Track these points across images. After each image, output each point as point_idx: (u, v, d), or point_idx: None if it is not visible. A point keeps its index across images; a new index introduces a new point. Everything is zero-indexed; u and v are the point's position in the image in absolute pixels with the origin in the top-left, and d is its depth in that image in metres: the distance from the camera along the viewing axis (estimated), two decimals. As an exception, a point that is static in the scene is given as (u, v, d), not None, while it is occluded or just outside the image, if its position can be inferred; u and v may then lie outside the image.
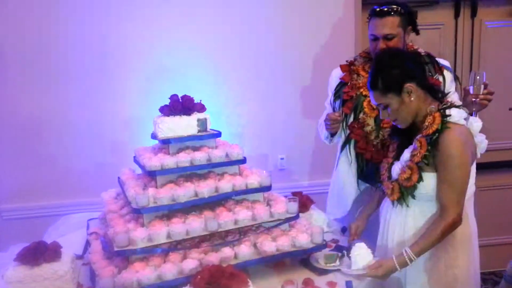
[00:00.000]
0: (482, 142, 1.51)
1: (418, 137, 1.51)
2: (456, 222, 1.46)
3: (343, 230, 1.96)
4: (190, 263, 1.48)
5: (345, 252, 1.64)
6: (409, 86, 1.50)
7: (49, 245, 1.68)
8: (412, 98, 1.51)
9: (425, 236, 1.48)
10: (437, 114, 1.48)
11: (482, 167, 3.07)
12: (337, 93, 2.05)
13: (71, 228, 2.12)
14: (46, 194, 2.58)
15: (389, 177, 1.61)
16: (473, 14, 2.98)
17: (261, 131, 2.80)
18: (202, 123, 1.82)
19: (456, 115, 1.45)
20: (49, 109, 2.53)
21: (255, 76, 2.73)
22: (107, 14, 2.51)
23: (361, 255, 1.51)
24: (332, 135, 2.05)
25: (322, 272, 1.62)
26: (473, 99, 1.73)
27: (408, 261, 1.46)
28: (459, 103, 1.85)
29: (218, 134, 1.83)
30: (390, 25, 1.82)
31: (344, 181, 2.10)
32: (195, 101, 1.85)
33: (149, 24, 2.55)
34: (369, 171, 1.98)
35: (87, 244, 1.87)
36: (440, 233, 1.46)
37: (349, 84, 2.02)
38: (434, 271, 1.54)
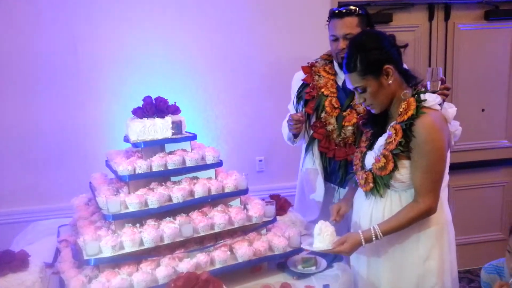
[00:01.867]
0: (456, 129, 1.50)
1: (392, 124, 1.48)
2: (431, 210, 1.45)
3: (321, 232, 1.94)
4: (164, 271, 1.43)
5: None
6: (388, 68, 1.46)
7: (16, 254, 1.61)
8: (390, 81, 1.47)
9: (396, 217, 1.46)
10: (411, 100, 1.45)
11: (456, 167, 3.15)
12: (299, 94, 2.08)
13: (41, 235, 2.04)
14: (14, 200, 2.49)
15: (362, 166, 1.59)
16: (447, 17, 3.03)
17: (239, 133, 2.77)
18: (177, 126, 1.77)
19: (431, 100, 1.43)
20: (17, 112, 2.44)
21: (233, 77, 2.70)
22: (78, 15, 2.45)
23: (327, 232, 1.48)
24: (295, 136, 2.04)
25: (300, 276, 1.60)
26: None
27: (374, 237, 1.45)
28: None
29: (194, 137, 1.79)
30: (349, 25, 1.87)
31: (310, 181, 2.10)
32: (170, 103, 1.80)
33: (122, 24, 2.50)
34: (332, 170, 2.01)
35: (57, 252, 1.80)
36: (412, 217, 1.44)
37: (310, 84, 2.05)
38: (409, 263, 1.52)
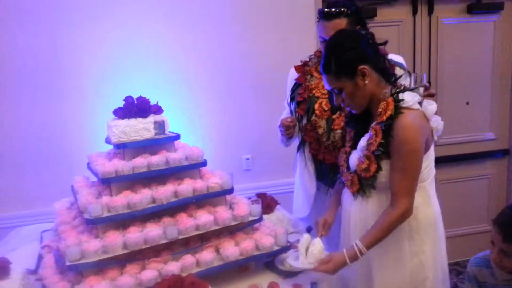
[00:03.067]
0: (438, 124, 1.46)
1: (373, 124, 1.47)
2: (406, 212, 1.42)
3: (309, 229, 1.92)
4: (149, 274, 1.40)
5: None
6: (363, 68, 1.43)
7: (-4, 261, 1.57)
8: (366, 81, 1.45)
9: (375, 228, 1.43)
10: (390, 100, 1.43)
11: (442, 161, 3.17)
12: (292, 94, 2.04)
13: (24, 241, 1.99)
14: (-5, 206, 2.43)
15: (348, 167, 1.57)
16: (430, 11, 3.04)
17: (225, 132, 2.75)
18: (160, 126, 1.74)
19: (409, 99, 1.40)
20: (-3, 115, 2.38)
21: (217, 75, 2.68)
22: (58, 13, 2.39)
23: (316, 250, 1.45)
24: (289, 138, 2.03)
25: (288, 274, 1.58)
26: None
27: (358, 254, 1.42)
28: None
29: (177, 137, 1.76)
30: (337, 27, 1.78)
31: (302, 181, 2.08)
32: (152, 103, 1.77)
33: (103, 23, 2.45)
34: (323, 171, 1.98)
35: (40, 258, 1.76)
36: (389, 224, 1.42)
37: (303, 85, 2.00)
38: (400, 259, 1.51)
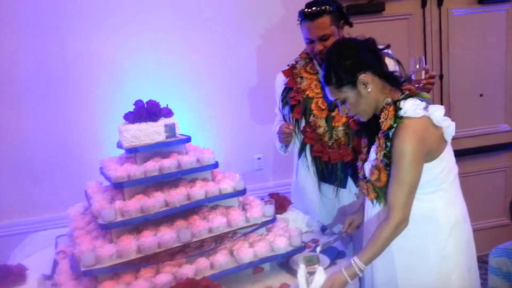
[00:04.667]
0: (449, 127, 1.42)
1: (379, 134, 1.44)
2: (400, 224, 1.38)
3: (323, 229, 1.91)
4: (163, 278, 1.40)
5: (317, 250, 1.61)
6: (364, 76, 1.41)
7: (13, 268, 1.59)
8: (369, 89, 1.42)
9: (371, 243, 1.40)
10: (391, 108, 1.40)
11: (457, 154, 3.07)
12: (284, 99, 2.01)
13: (39, 247, 2.01)
14: (11, 212, 2.45)
15: (364, 176, 1.55)
16: (440, 3, 2.99)
17: (236, 132, 2.74)
18: (170, 129, 1.73)
19: (410, 108, 1.37)
20: (11, 122, 2.40)
21: (226, 76, 2.67)
22: (68, 21, 2.41)
23: (322, 281, 1.39)
24: (287, 146, 2.01)
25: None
26: (416, 85, 1.69)
27: (358, 271, 1.38)
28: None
29: (188, 139, 1.75)
30: (322, 25, 1.79)
31: (304, 187, 2.05)
32: (162, 106, 1.77)
33: (112, 30, 2.46)
34: (329, 172, 1.93)
35: (55, 263, 1.77)
36: (384, 238, 1.38)
37: (294, 88, 1.97)
38: (426, 263, 1.47)
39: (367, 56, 1.44)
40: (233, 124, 2.72)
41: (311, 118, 1.91)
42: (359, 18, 2.88)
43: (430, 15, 3.00)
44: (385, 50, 1.75)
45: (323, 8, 1.78)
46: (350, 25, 1.92)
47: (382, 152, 1.41)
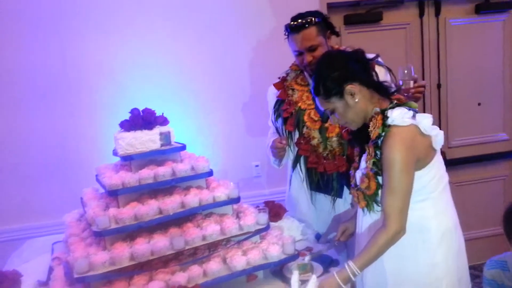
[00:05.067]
0: (437, 135, 1.43)
1: (368, 143, 1.46)
2: (398, 233, 1.39)
3: (317, 237, 1.92)
4: (156, 285, 1.41)
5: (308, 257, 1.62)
6: (351, 87, 1.44)
7: (7, 274, 1.60)
8: (356, 99, 1.45)
9: (367, 249, 1.41)
10: (379, 117, 1.43)
11: (455, 163, 3.12)
12: (276, 112, 2.02)
13: (36, 253, 2.01)
14: (8, 218, 2.47)
15: (356, 184, 1.56)
16: (437, 12, 3.01)
17: (234, 139, 2.75)
18: (165, 137, 1.75)
19: (397, 117, 1.38)
20: (8, 128, 2.43)
21: (224, 84, 2.69)
22: (67, 27, 2.44)
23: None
24: (280, 160, 2.02)
25: (296, 283, 1.57)
26: (405, 94, 1.71)
27: (351, 275, 1.38)
28: None
29: (183, 147, 1.77)
30: (309, 37, 1.81)
31: (298, 198, 2.05)
32: (158, 114, 1.79)
33: (110, 37, 2.48)
34: (325, 183, 1.94)
35: (51, 270, 1.78)
36: (381, 245, 1.39)
37: (286, 101, 1.98)
38: (415, 272, 1.48)
39: (354, 67, 1.46)
40: (231, 131, 2.73)
41: (305, 130, 1.92)
42: (357, 27, 2.92)
43: (428, 25, 3.03)
44: (376, 59, 1.78)
45: (309, 19, 1.80)
46: (337, 34, 1.94)
47: (372, 161, 1.42)
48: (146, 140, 1.70)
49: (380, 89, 1.50)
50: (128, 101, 2.03)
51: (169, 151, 1.73)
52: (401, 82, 1.69)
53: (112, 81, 2.51)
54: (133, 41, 2.51)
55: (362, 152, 1.55)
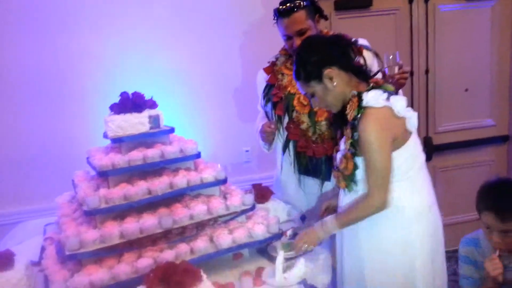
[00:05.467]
0: (411, 117, 1.48)
1: (346, 125, 1.51)
2: (378, 206, 1.47)
3: (302, 218, 1.97)
4: (145, 262, 1.46)
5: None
6: (329, 71, 1.48)
7: (1, 253, 1.63)
8: (335, 83, 1.49)
9: (349, 211, 1.52)
10: (355, 100, 1.47)
11: (442, 148, 3.18)
12: (266, 96, 2.04)
13: (29, 235, 2.06)
14: (2, 202, 2.50)
15: (336, 166, 1.61)
16: (426, -2, 3.03)
17: (225, 125, 2.78)
18: (154, 120, 1.79)
19: (372, 99, 1.44)
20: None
21: (214, 71, 2.71)
22: (57, 14, 2.44)
23: (300, 273, 1.49)
24: (270, 144, 2.05)
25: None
26: (390, 80, 1.74)
27: (330, 229, 1.53)
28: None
29: (171, 130, 1.81)
30: (298, 20, 1.82)
31: (287, 182, 2.09)
32: (146, 98, 1.82)
33: (101, 22, 2.50)
34: (314, 167, 1.96)
35: (43, 250, 1.82)
36: (360, 211, 1.49)
37: (276, 85, 2.00)
38: (390, 250, 1.53)
39: (333, 52, 1.51)
40: (221, 117, 2.76)
41: (294, 114, 1.94)
42: (347, 13, 2.94)
43: (417, 11, 3.05)
44: (363, 43, 1.81)
45: (297, 3, 1.82)
46: (326, 18, 1.96)
47: (349, 142, 1.48)
48: (136, 122, 1.73)
49: (358, 73, 1.54)
50: (118, 89, 2.05)
51: (158, 133, 1.77)
52: (386, 68, 1.72)
53: (103, 67, 2.53)
54: (123, 31, 2.52)
55: (342, 135, 1.60)
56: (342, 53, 1.52)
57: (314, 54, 1.50)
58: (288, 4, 1.83)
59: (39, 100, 2.49)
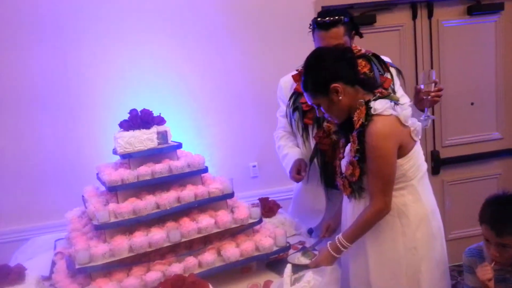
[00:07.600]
0: (415, 126, 1.54)
1: (353, 132, 1.55)
2: (382, 211, 1.52)
3: (310, 231, 1.98)
4: (153, 275, 1.48)
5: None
6: (335, 86, 1.52)
7: (13, 267, 1.67)
8: (340, 97, 1.54)
9: (355, 224, 1.55)
10: (363, 108, 1.52)
11: (449, 162, 3.17)
12: (294, 104, 1.98)
13: (39, 250, 2.09)
14: (12, 219, 2.55)
15: (341, 173, 1.65)
16: (430, 14, 3.07)
17: (231, 140, 2.82)
18: (162, 136, 1.83)
19: (379, 107, 1.48)
20: (11, 130, 2.51)
21: (221, 86, 2.76)
22: (68, 30, 2.53)
23: (308, 286, 1.48)
24: None
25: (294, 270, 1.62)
26: (424, 97, 1.76)
27: (340, 247, 1.54)
28: (405, 97, 1.90)
29: (179, 146, 1.84)
30: (336, 36, 1.81)
31: (312, 193, 2.03)
32: (155, 115, 1.86)
33: (110, 41, 2.58)
34: None
35: (53, 264, 1.85)
36: (366, 220, 1.52)
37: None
38: (395, 256, 1.57)
39: (341, 67, 1.55)
40: (228, 133, 2.80)
41: (325, 123, 1.88)
42: (351, 30, 2.99)
43: (420, 27, 3.09)
44: (388, 60, 1.89)
45: (338, 18, 1.80)
46: (360, 35, 1.94)
47: (355, 148, 1.52)
48: (144, 139, 1.77)
49: (365, 85, 1.59)
50: (128, 104, 2.10)
51: (166, 149, 1.80)
52: (422, 86, 1.74)
53: (111, 85, 2.60)
54: (132, 46, 2.60)
55: (346, 142, 1.63)
56: (349, 67, 1.57)
57: (321, 69, 1.55)
58: (328, 18, 1.80)
59: (50, 118, 2.56)
